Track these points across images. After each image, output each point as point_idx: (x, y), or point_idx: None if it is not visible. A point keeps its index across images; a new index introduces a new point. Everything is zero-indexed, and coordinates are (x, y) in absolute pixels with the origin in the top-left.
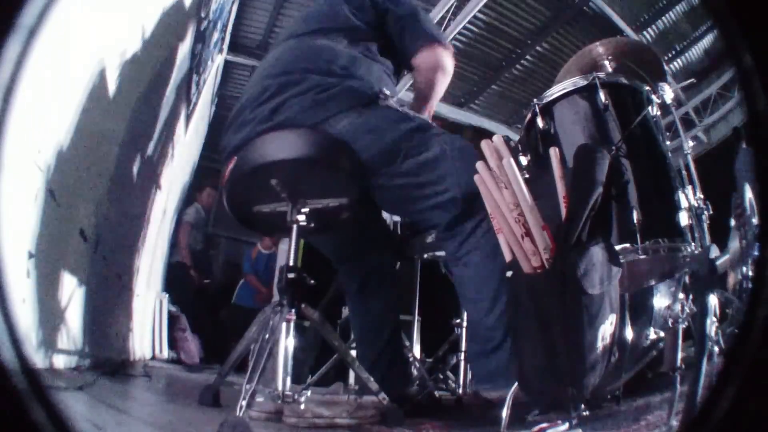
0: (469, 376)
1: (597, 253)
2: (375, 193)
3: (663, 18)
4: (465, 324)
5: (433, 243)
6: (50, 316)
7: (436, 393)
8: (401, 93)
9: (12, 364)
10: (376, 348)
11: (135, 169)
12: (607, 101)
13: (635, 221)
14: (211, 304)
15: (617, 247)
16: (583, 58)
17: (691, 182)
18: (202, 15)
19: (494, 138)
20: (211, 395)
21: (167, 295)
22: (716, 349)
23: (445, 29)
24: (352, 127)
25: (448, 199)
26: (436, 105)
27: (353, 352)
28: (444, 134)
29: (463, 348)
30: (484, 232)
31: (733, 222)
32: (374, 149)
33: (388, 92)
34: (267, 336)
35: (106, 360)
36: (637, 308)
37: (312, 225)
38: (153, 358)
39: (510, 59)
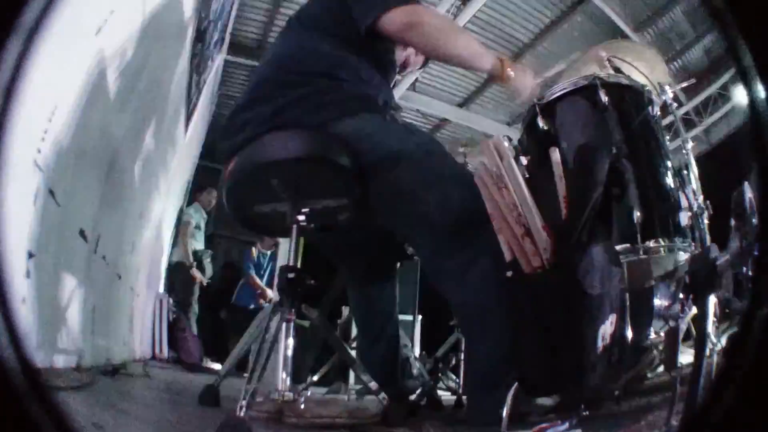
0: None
1: (597, 253)
2: (370, 200)
3: (663, 18)
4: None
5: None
6: (50, 316)
7: (437, 393)
8: (401, 92)
9: (12, 363)
10: (377, 344)
11: (135, 169)
12: (607, 101)
13: (635, 221)
14: (211, 304)
15: (617, 247)
16: (585, 59)
17: (691, 182)
18: (202, 15)
19: (494, 138)
20: (211, 395)
21: (167, 295)
22: (716, 349)
23: None
24: (354, 130)
25: (434, 221)
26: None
27: (353, 352)
28: (448, 157)
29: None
30: (482, 273)
31: (733, 222)
32: (375, 155)
33: (393, 105)
34: (267, 336)
35: (106, 360)
36: (637, 308)
37: (312, 225)
38: (153, 358)
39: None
